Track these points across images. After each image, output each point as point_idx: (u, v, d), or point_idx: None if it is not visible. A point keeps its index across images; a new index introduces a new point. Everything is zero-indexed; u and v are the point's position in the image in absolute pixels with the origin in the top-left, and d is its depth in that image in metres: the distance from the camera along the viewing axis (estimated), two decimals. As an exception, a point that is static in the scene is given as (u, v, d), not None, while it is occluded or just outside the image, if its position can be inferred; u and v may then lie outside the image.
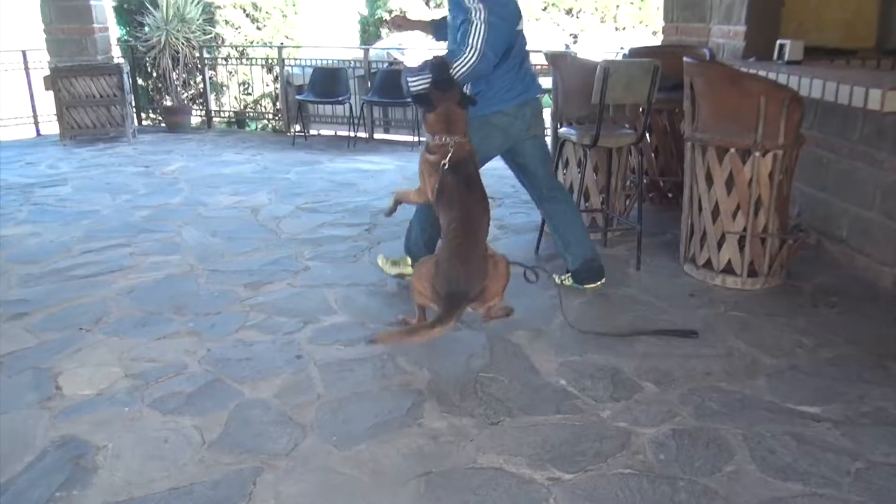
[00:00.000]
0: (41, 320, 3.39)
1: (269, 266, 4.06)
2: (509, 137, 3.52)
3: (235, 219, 5.01)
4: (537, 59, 8.66)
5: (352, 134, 7.97)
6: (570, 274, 3.69)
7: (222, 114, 9.93)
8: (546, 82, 10.02)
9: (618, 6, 12.75)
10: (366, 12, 12.69)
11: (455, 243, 2.94)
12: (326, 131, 8.67)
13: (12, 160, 7.04)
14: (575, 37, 11.07)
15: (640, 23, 12.75)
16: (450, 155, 3.04)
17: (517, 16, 3.41)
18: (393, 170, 6.61)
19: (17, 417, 2.59)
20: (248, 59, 10.17)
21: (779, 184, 3.54)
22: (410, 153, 7.45)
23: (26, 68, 8.47)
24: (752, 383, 2.77)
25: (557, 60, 4.52)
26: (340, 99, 7.82)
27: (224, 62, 10.13)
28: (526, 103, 3.50)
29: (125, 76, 8.09)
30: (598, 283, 3.66)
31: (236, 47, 10.31)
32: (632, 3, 12.75)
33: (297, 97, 8.13)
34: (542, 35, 10.83)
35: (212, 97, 9.62)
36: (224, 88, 10.30)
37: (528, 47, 3.56)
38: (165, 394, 2.71)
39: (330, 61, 8.59)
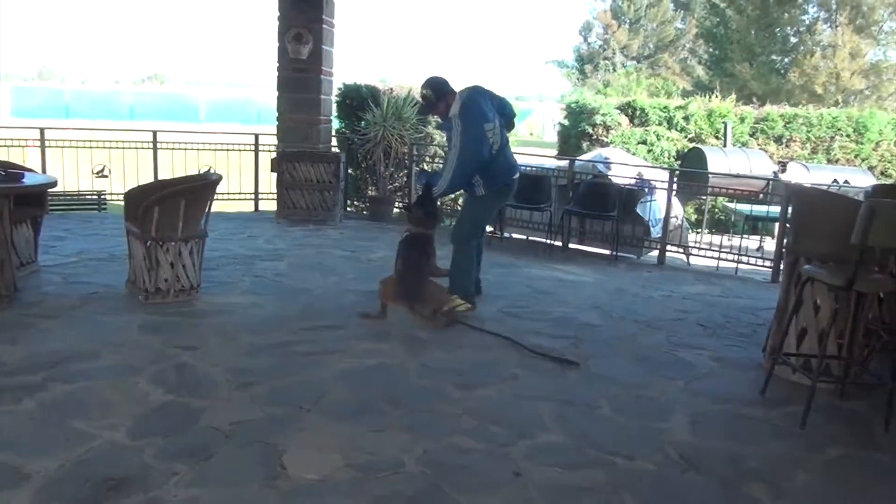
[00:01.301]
0: (266, 393, 3.51)
1: (477, 368, 4.01)
2: (495, 207, 5.44)
3: (440, 314, 5.04)
4: (738, 183, 8.41)
5: (548, 241, 7.98)
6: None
7: (422, 208, 10.32)
8: (753, 206, 9.48)
9: (832, 137, 12.10)
10: (567, 123, 12.96)
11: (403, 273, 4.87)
12: (518, 235, 8.74)
13: (236, 232, 7.64)
14: (783, 165, 10.57)
15: (856, 157, 12.01)
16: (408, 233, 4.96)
17: (483, 120, 4.73)
18: (591, 283, 6.46)
19: (247, 493, 2.62)
20: (452, 158, 10.58)
21: None
22: (607, 266, 7.31)
23: (256, 150, 9.34)
24: None
25: (800, 194, 4.27)
26: (542, 206, 7.87)
27: (430, 160, 10.61)
28: (506, 185, 5.10)
29: (341, 165, 8.66)
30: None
31: (443, 147, 10.78)
32: (848, 136, 12.06)
33: (498, 200, 8.24)
34: (748, 161, 10.45)
35: (415, 191, 10.05)
36: (427, 184, 10.73)
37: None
38: (387, 492, 2.66)
39: (534, 168, 8.73)
